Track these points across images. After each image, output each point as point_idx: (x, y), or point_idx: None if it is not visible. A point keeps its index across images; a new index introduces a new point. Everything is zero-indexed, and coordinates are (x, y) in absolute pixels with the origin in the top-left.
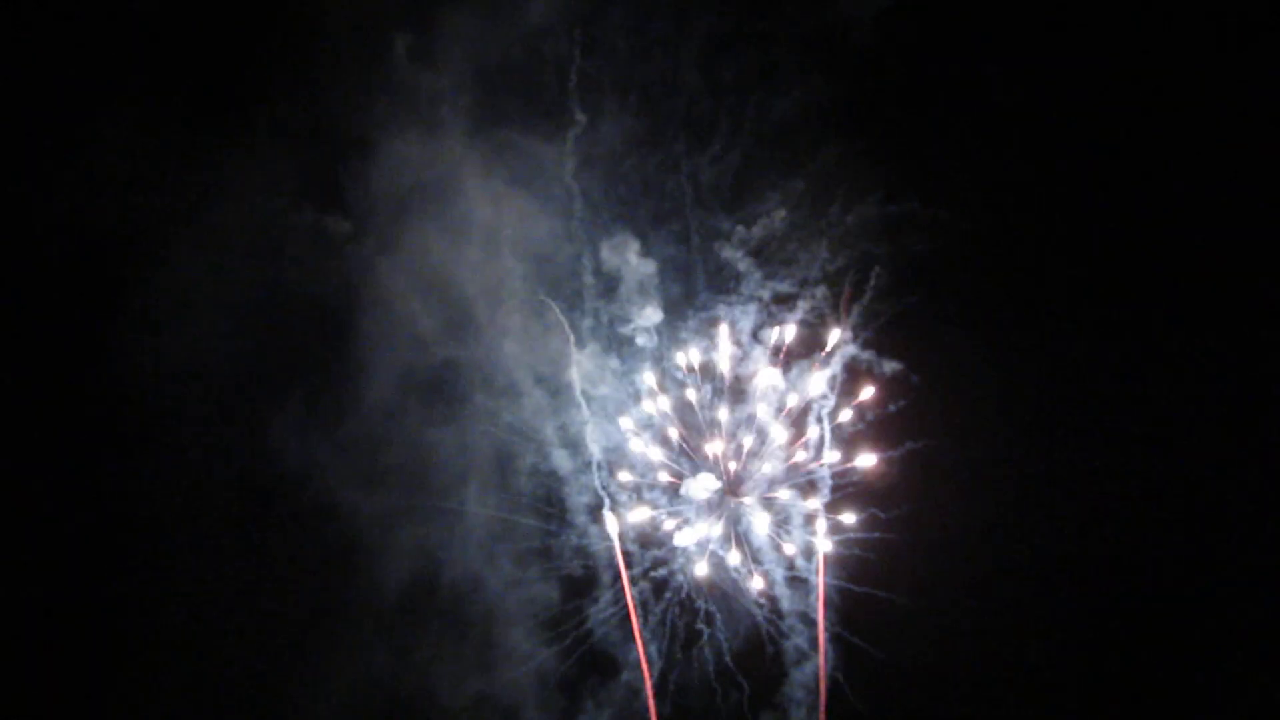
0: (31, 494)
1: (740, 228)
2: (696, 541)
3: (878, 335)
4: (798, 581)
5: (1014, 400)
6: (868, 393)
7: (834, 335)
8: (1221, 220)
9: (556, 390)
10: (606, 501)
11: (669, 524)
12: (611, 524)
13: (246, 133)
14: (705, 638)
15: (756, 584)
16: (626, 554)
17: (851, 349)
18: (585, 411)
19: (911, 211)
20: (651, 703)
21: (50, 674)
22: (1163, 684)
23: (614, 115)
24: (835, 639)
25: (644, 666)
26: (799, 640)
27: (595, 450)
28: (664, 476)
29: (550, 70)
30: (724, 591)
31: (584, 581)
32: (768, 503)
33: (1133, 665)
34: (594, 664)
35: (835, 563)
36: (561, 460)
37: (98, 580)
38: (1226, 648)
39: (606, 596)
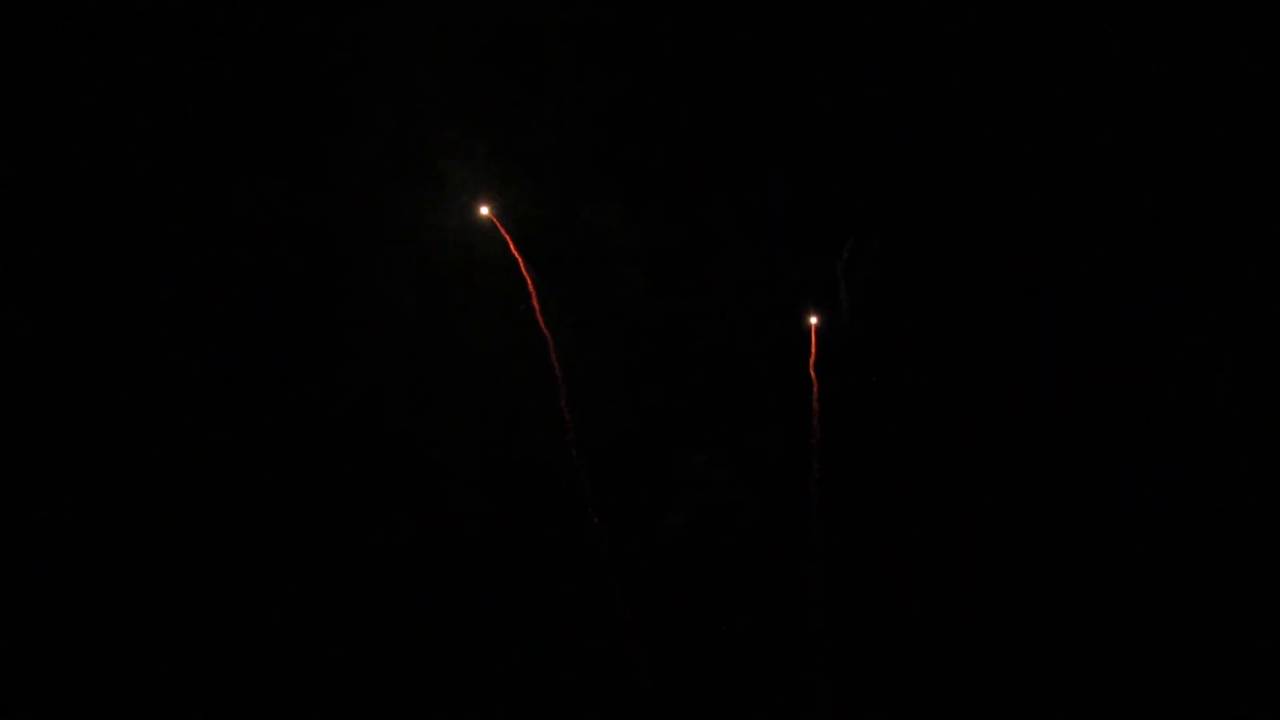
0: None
1: (733, 190)
2: None
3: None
4: None
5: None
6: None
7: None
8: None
9: (539, 368)
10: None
11: None
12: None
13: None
14: None
15: None
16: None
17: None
18: (566, 391)
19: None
20: None
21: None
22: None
23: (599, 68)
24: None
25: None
26: None
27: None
28: None
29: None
30: None
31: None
32: None
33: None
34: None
35: None
36: (547, 444)
37: (78, 575)
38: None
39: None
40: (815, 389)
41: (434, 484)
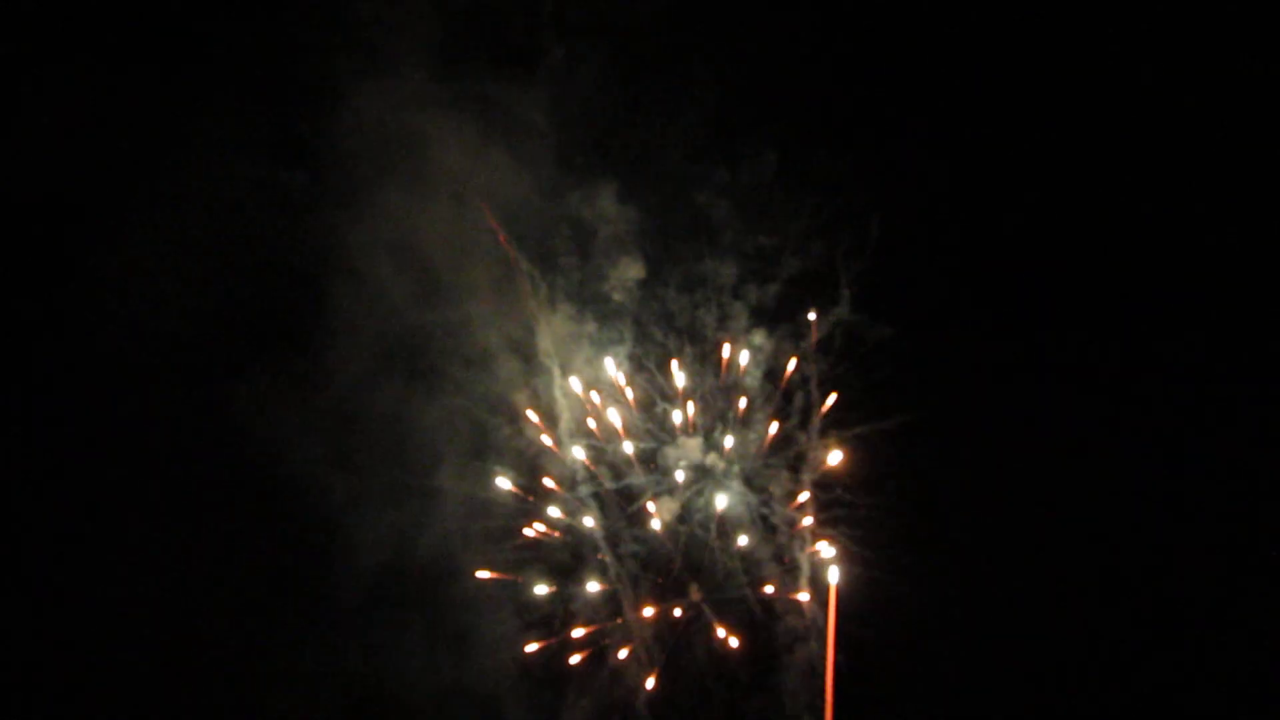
0: None
1: (724, 173)
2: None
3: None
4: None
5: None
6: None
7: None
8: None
9: (530, 357)
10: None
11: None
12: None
13: (199, 83)
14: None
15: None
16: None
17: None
18: (558, 380)
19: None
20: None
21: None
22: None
23: (589, 54)
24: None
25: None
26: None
27: (569, 421)
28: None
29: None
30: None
31: (567, 561)
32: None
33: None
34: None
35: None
36: (537, 432)
37: (45, 567)
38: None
39: (591, 577)
40: (815, 377)
41: (425, 477)
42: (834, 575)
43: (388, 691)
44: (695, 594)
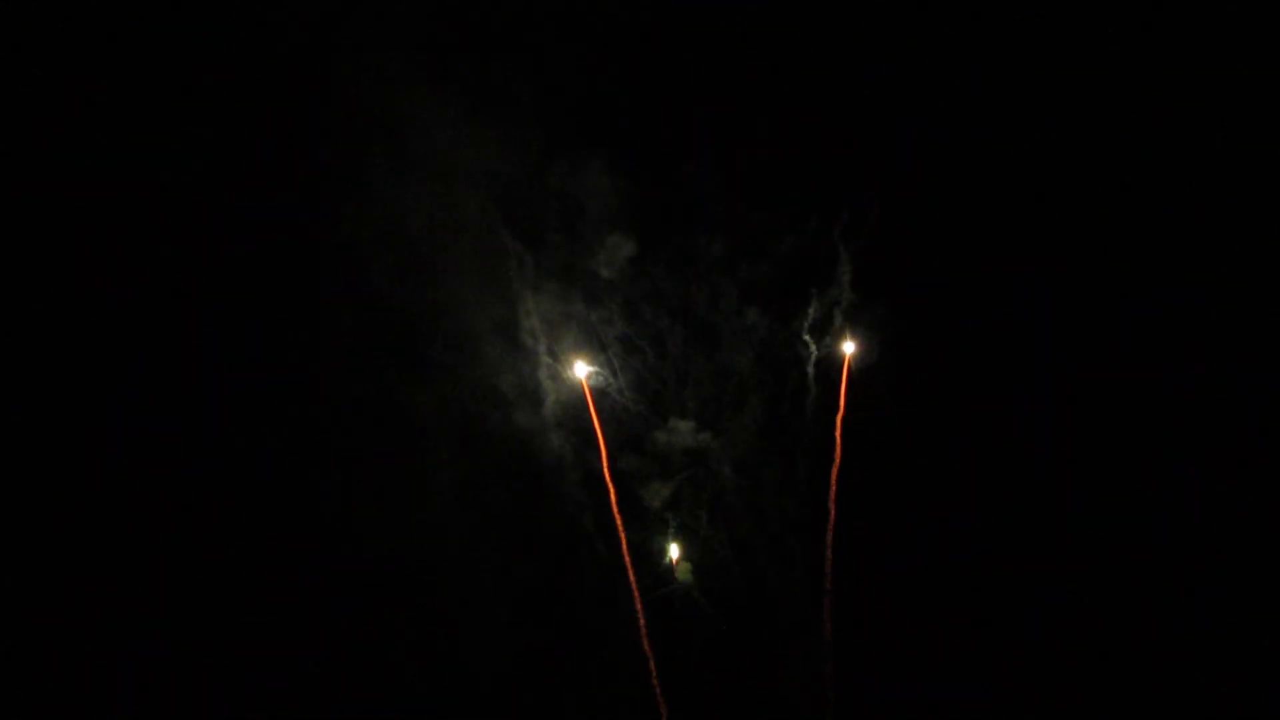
0: None
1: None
2: None
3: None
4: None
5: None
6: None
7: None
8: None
9: (517, 339)
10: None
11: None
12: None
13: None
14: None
15: None
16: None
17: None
18: (544, 363)
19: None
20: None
21: None
22: None
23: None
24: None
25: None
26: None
27: (557, 410)
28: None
29: None
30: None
31: (562, 547)
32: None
33: None
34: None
35: None
36: (526, 419)
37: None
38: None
39: (587, 566)
40: (813, 357)
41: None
42: (849, 347)
43: (384, 684)
44: (686, 576)
